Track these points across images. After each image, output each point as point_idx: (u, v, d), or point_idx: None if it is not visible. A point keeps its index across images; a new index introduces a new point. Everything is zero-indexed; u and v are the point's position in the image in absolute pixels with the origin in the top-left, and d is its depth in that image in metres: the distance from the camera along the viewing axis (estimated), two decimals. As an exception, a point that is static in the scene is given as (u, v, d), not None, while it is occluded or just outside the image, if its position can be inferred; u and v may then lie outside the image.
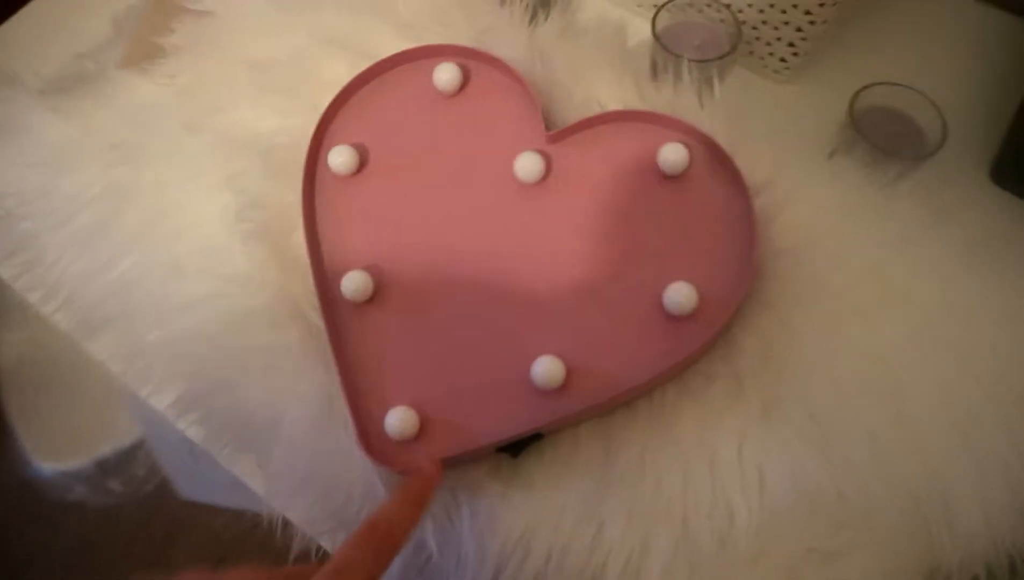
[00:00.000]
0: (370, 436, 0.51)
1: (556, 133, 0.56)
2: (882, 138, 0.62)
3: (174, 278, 0.59)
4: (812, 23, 0.67)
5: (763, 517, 0.50)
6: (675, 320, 0.50)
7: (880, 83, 0.64)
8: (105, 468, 1.35)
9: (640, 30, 0.72)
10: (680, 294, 0.49)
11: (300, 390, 0.55)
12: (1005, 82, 0.73)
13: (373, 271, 0.54)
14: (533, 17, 0.67)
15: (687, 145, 0.53)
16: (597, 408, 0.50)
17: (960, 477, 0.49)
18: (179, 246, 0.59)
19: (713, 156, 0.54)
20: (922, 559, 0.50)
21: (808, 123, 0.69)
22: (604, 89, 0.60)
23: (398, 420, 0.50)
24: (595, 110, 0.58)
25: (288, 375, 0.55)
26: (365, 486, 0.52)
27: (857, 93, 0.63)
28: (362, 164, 0.58)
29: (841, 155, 0.61)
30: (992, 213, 0.66)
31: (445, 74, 0.58)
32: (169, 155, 0.62)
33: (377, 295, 0.54)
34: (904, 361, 0.51)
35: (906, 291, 0.53)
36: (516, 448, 0.51)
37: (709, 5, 0.70)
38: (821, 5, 0.65)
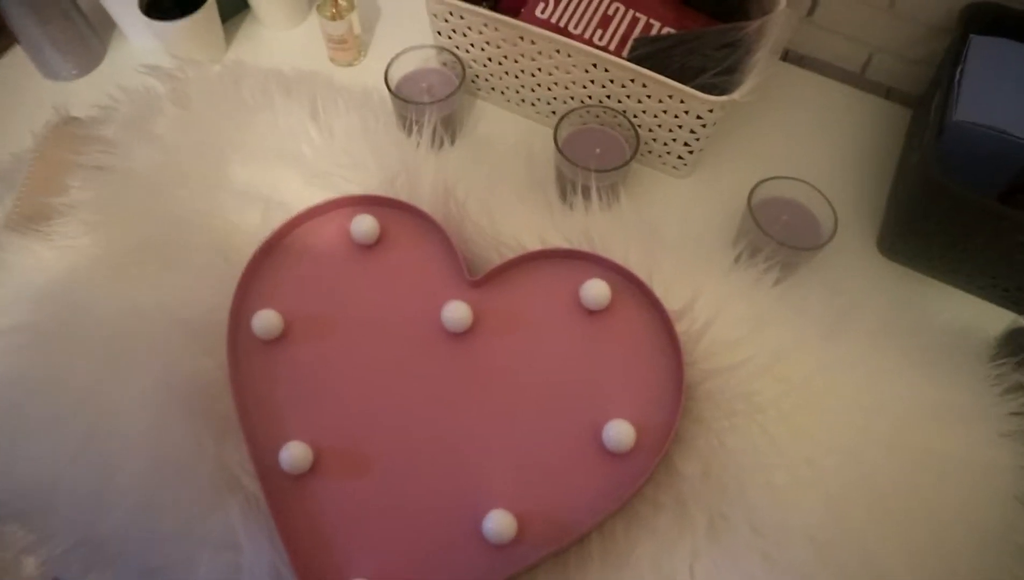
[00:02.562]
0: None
1: (479, 279, 0.57)
2: (780, 229, 0.66)
3: (95, 471, 0.55)
4: (704, 125, 0.71)
5: (723, 632, 0.52)
6: (616, 457, 0.52)
7: (770, 178, 0.68)
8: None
9: (543, 138, 0.74)
10: (619, 433, 0.51)
11: (247, 565, 0.53)
12: (881, 160, 0.79)
13: (310, 439, 0.53)
14: (440, 143, 0.68)
15: (607, 278, 0.55)
16: (551, 554, 0.51)
17: (897, 566, 0.52)
18: (102, 437, 0.56)
19: (633, 287, 0.56)
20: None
21: (712, 217, 0.73)
22: (519, 224, 0.61)
23: (354, 593, 0.49)
24: (512, 247, 0.59)
25: (233, 551, 0.54)
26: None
27: (752, 189, 0.67)
28: (287, 326, 0.57)
29: (748, 255, 0.65)
30: (884, 290, 0.70)
31: (361, 226, 0.58)
32: (76, 332, 0.59)
33: (317, 464, 0.53)
34: (831, 461, 0.55)
35: (826, 391, 0.57)
36: (475, 602, 0.51)
37: (605, 111, 0.73)
38: (710, 111, 0.69)
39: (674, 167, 0.77)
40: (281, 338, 0.57)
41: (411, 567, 0.50)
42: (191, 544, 0.54)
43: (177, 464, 0.55)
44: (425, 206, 0.59)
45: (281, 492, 0.52)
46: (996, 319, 0.67)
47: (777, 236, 0.64)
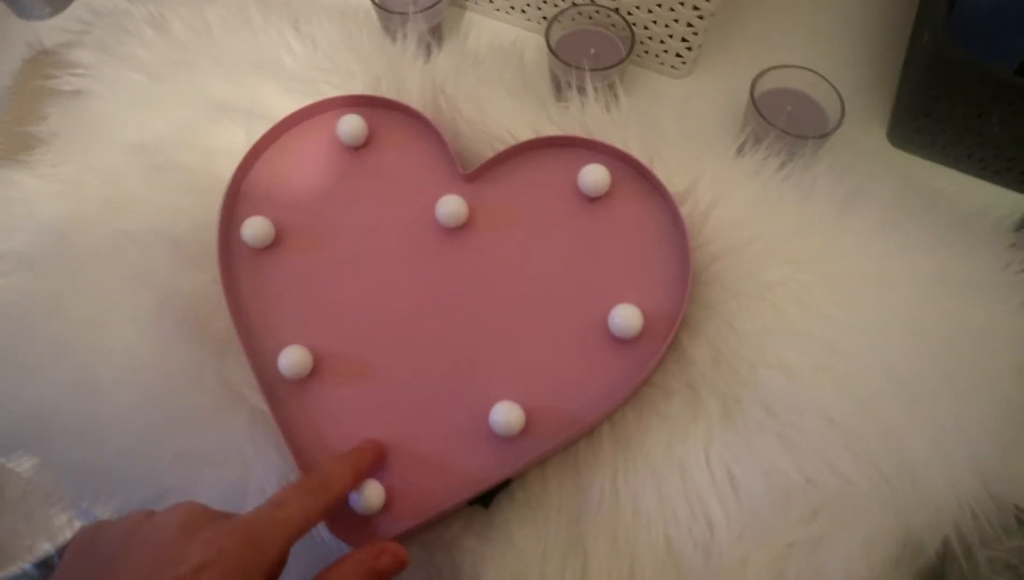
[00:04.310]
0: (335, 515, 0.48)
1: (472, 172, 0.55)
2: (785, 120, 0.64)
3: (94, 394, 0.54)
4: (701, 17, 0.68)
5: (742, 520, 0.50)
6: (624, 343, 0.50)
7: (774, 67, 0.65)
8: (50, 566, 1.26)
9: (535, 45, 0.71)
10: (625, 318, 0.49)
11: (257, 479, 0.52)
12: (890, 46, 0.75)
13: (309, 344, 0.51)
14: (427, 51, 0.65)
15: (606, 164, 0.53)
16: (561, 445, 0.49)
17: (920, 444, 0.50)
18: (100, 362, 0.54)
19: (633, 172, 0.54)
20: (896, 527, 0.50)
21: (714, 115, 0.70)
22: (511, 118, 0.59)
23: (363, 496, 0.48)
24: (506, 140, 0.57)
25: (241, 466, 0.53)
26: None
27: (755, 79, 0.64)
28: (278, 233, 0.55)
29: (752, 144, 0.62)
30: (895, 176, 0.68)
31: (349, 126, 0.55)
32: (65, 259, 0.58)
33: (317, 368, 0.52)
34: (847, 340, 0.52)
35: (836, 271, 0.55)
36: (486, 499, 0.50)
37: (598, 11, 0.70)
38: (707, 0, 0.66)
39: (673, 67, 0.74)
40: (273, 245, 0.55)
41: (420, 465, 0.49)
42: (197, 462, 0.53)
43: (178, 383, 0.53)
44: (414, 104, 0.57)
45: (283, 398, 0.51)
46: (1014, 205, 0.65)
47: (781, 126, 0.62)
